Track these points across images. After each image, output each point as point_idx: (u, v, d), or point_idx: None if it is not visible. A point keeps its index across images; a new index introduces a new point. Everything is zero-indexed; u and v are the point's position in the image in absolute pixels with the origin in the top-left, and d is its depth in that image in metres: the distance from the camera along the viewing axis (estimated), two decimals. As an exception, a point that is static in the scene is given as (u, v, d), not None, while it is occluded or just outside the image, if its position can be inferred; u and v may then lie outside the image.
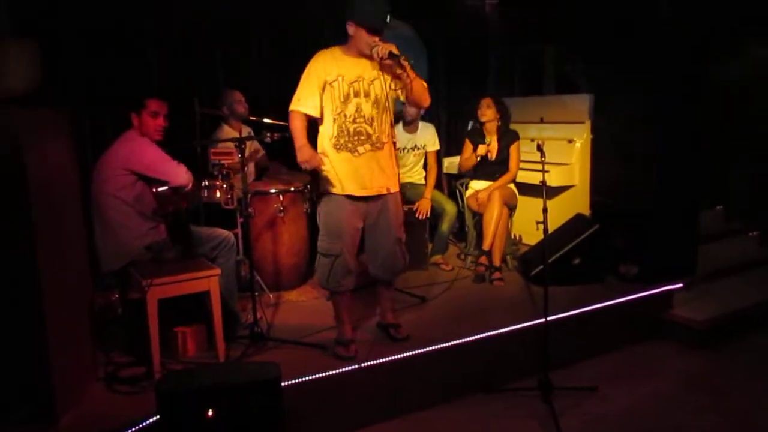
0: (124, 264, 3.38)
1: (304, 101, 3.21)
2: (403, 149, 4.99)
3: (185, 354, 3.37)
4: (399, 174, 3.53)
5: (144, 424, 2.68)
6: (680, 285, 4.34)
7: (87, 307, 3.19)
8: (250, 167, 4.72)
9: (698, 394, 3.49)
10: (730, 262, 4.95)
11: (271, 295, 4.29)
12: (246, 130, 4.66)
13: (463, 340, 3.50)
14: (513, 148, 4.76)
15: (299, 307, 4.21)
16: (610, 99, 4.69)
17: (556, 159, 5.08)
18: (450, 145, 6.15)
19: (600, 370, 3.76)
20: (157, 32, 4.55)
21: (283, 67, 5.01)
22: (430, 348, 3.40)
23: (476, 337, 3.54)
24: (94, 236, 3.39)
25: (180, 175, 3.42)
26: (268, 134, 3.93)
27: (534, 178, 4.75)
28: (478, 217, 4.89)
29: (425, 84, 3.26)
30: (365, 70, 3.22)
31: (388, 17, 3.14)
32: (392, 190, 3.38)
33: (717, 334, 4.09)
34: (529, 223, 4.96)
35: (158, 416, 2.49)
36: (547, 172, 3.53)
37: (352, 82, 3.19)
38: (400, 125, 5.01)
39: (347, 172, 3.23)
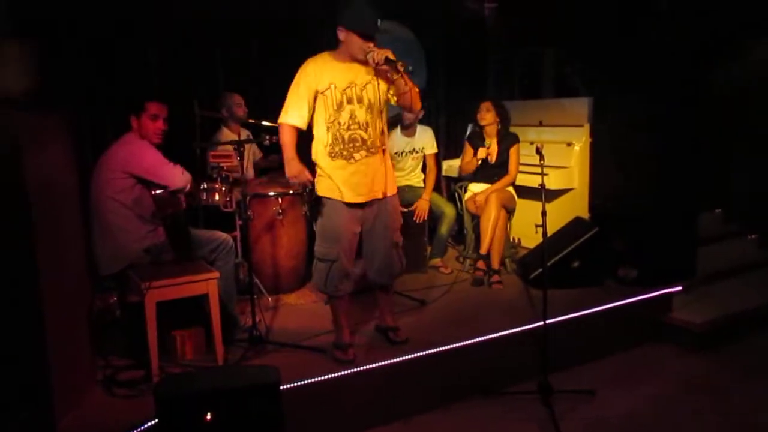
0: (122, 267, 3.37)
1: (292, 113, 3.19)
2: (401, 153, 4.99)
3: (184, 357, 3.37)
4: (395, 177, 3.53)
5: (143, 427, 2.68)
6: (679, 288, 4.34)
7: (85, 310, 3.19)
8: (249, 170, 4.72)
9: (698, 396, 3.49)
10: (729, 265, 4.95)
11: (269, 298, 4.29)
12: (245, 133, 4.66)
13: (462, 344, 3.49)
14: (513, 151, 4.76)
15: (298, 310, 4.21)
16: (609, 102, 4.70)
17: (555, 162, 5.08)
18: (449, 148, 6.15)
19: (599, 373, 3.76)
20: (156, 34, 4.55)
21: (282, 70, 4.99)
22: (429, 351, 3.40)
23: (475, 340, 3.54)
24: (92, 239, 3.38)
25: (179, 177, 3.42)
26: (267, 137, 3.94)
27: (533, 181, 4.76)
28: (477, 220, 4.89)
29: (417, 89, 3.24)
30: (357, 75, 3.19)
31: (379, 22, 3.12)
32: (389, 194, 3.37)
33: (716, 336, 4.10)
34: (528, 226, 4.96)
35: (157, 420, 2.49)
36: (546, 175, 3.53)
37: (344, 89, 3.16)
38: (398, 129, 5.01)
39: (343, 179, 3.22)
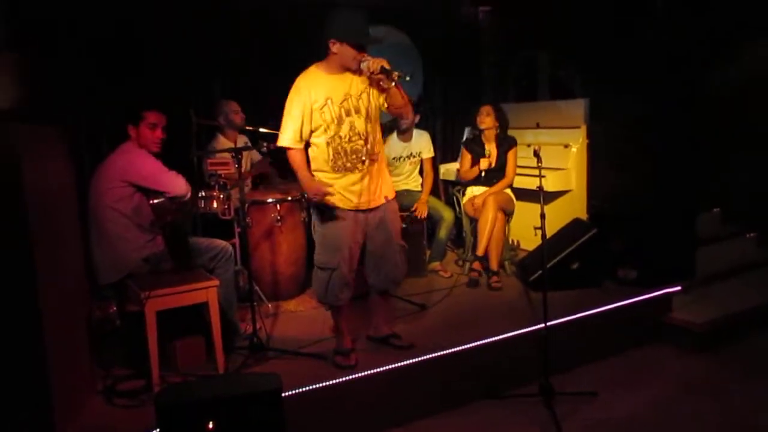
0: (121, 276, 3.36)
1: (293, 135, 3.15)
2: (399, 158, 5.00)
3: (184, 366, 3.35)
4: (391, 180, 3.53)
5: (144, 437, 2.67)
6: (679, 288, 4.34)
7: (85, 320, 3.18)
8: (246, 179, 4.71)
9: (698, 397, 3.48)
10: (729, 265, 4.95)
11: (269, 305, 4.28)
12: (242, 140, 4.67)
13: (463, 347, 3.49)
14: (510, 155, 4.78)
15: (298, 316, 4.20)
16: (605, 103, 4.71)
17: (552, 164, 5.08)
18: (446, 151, 6.16)
19: (600, 374, 3.76)
20: (153, 42, 4.55)
21: (279, 77, 5.00)
22: (431, 355, 3.39)
23: (476, 343, 3.54)
24: (90, 248, 3.38)
25: (178, 185, 3.41)
26: (265, 144, 3.94)
27: (531, 184, 4.76)
28: (475, 223, 4.89)
29: (407, 97, 3.24)
30: (351, 86, 3.17)
31: (369, 31, 3.11)
32: (389, 198, 3.39)
33: (716, 336, 4.09)
34: (527, 229, 4.96)
35: (158, 429, 2.47)
36: (544, 177, 3.53)
37: (341, 102, 3.14)
38: (395, 134, 5.02)
39: (346, 188, 3.21)
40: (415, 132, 5.04)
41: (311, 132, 3.17)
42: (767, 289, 4.65)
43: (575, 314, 3.91)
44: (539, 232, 3.42)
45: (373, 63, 2.98)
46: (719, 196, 5.50)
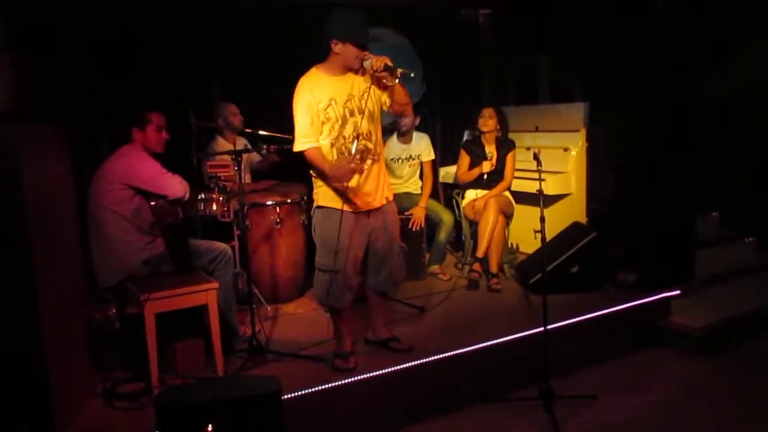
0: (121, 279, 3.36)
1: (309, 137, 3.12)
2: (397, 159, 5.00)
3: (184, 368, 3.34)
4: (389, 180, 3.54)
5: (143, 440, 2.67)
6: (678, 292, 4.35)
7: (84, 322, 3.18)
8: (246, 179, 4.71)
9: (698, 400, 3.48)
10: (727, 269, 4.95)
11: (269, 308, 4.28)
12: (241, 142, 4.66)
13: (462, 350, 3.49)
14: (509, 158, 4.80)
15: (297, 319, 4.20)
16: (605, 107, 4.71)
17: (552, 167, 5.09)
18: (445, 154, 6.16)
19: (600, 378, 3.76)
20: (152, 43, 4.55)
21: (279, 78, 5.00)
22: (430, 358, 3.39)
23: (475, 346, 3.54)
24: (90, 251, 3.38)
25: (178, 186, 3.41)
26: (264, 146, 3.94)
27: (530, 187, 4.77)
28: (475, 226, 4.89)
29: (408, 94, 3.24)
30: (354, 86, 3.18)
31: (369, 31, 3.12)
32: (389, 199, 3.40)
33: (715, 340, 4.10)
34: (526, 232, 4.97)
35: (157, 432, 2.48)
36: (544, 180, 3.54)
37: (345, 103, 3.14)
38: (395, 136, 5.02)
39: (352, 190, 3.20)
40: (415, 134, 5.05)
41: (320, 131, 3.17)
42: (766, 292, 4.66)
43: (575, 318, 3.91)
44: (539, 235, 3.42)
45: (376, 61, 2.99)
46: (718, 199, 5.51)
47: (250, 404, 2.47)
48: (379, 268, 3.43)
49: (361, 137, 3.16)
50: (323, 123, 3.13)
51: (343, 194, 3.18)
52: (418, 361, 3.36)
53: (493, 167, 4.78)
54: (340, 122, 3.14)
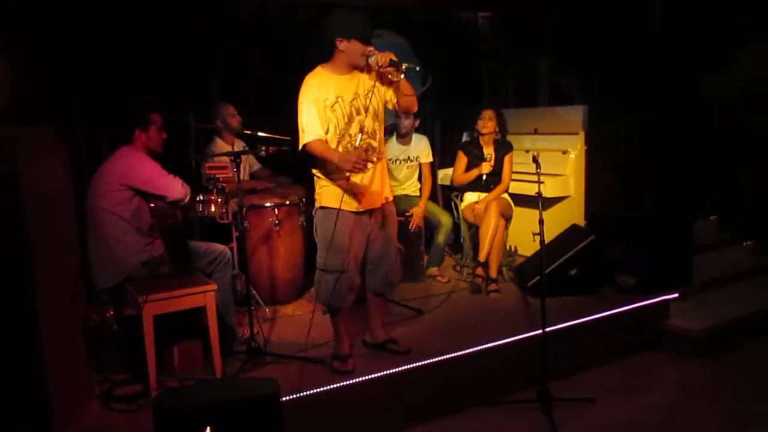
0: (119, 280, 3.35)
1: (313, 129, 3.10)
2: (396, 160, 4.99)
3: (182, 370, 3.34)
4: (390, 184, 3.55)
5: (141, 442, 2.66)
6: (676, 295, 4.35)
7: (82, 324, 3.17)
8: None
9: (697, 403, 3.48)
10: (726, 272, 4.96)
11: (267, 310, 4.27)
12: (239, 144, 4.66)
13: (460, 353, 3.49)
14: (506, 160, 4.80)
15: (296, 321, 4.19)
16: (604, 110, 4.71)
17: (550, 170, 5.09)
18: (444, 156, 6.16)
19: (598, 380, 3.75)
20: (151, 44, 4.55)
21: (279, 79, 5.01)
22: (428, 361, 3.39)
23: (474, 349, 3.53)
24: (88, 252, 3.36)
25: (177, 188, 3.41)
26: (263, 148, 3.93)
27: (529, 189, 4.77)
28: (474, 229, 4.89)
29: (413, 90, 3.25)
30: (359, 85, 3.19)
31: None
32: (389, 199, 3.42)
33: (714, 343, 4.10)
34: (525, 235, 4.96)
35: (156, 434, 2.47)
36: (543, 183, 3.54)
37: (351, 101, 3.16)
38: (394, 137, 5.02)
39: (356, 188, 3.21)
40: (414, 136, 5.04)
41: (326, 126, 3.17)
42: (764, 296, 4.66)
43: (573, 320, 3.91)
44: (537, 237, 3.42)
45: (381, 56, 3.01)
46: (716, 203, 5.52)
47: (249, 406, 2.47)
48: (376, 269, 3.43)
49: (365, 135, 3.18)
50: (329, 121, 3.14)
51: (348, 192, 3.19)
52: (417, 364, 3.35)
53: (492, 168, 4.78)
54: (346, 120, 3.16)
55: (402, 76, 3.05)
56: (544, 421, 3.25)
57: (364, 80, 3.20)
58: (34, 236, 2.57)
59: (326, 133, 3.14)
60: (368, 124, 3.19)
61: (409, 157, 5.02)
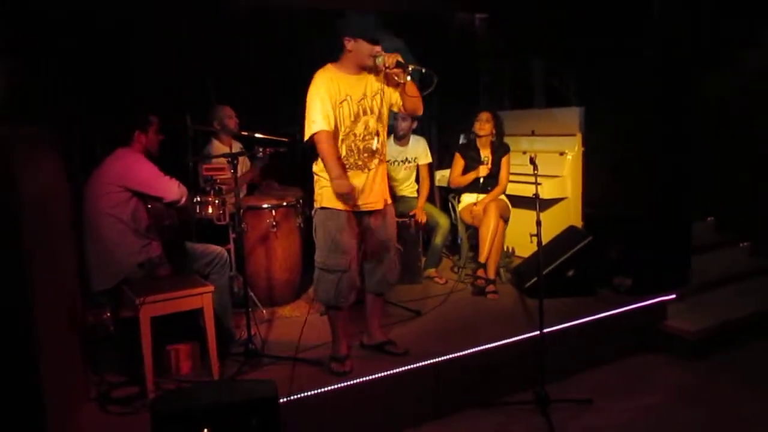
0: (116, 282, 3.34)
1: (322, 119, 3.10)
2: (393, 161, 4.99)
3: (179, 372, 3.33)
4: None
5: (138, 444, 2.65)
6: (673, 296, 4.36)
7: (78, 326, 3.16)
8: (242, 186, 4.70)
9: (693, 404, 3.49)
10: (723, 273, 4.96)
11: (264, 311, 4.26)
12: (237, 146, 4.65)
13: (458, 354, 3.49)
14: (504, 162, 4.80)
15: (293, 322, 4.17)
16: (600, 111, 4.72)
17: (547, 171, 5.09)
18: (442, 158, 6.16)
19: (596, 382, 3.76)
20: (149, 45, 4.54)
21: (277, 80, 5.01)
22: (426, 362, 3.39)
23: (472, 350, 3.53)
24: (85, 254, 3.36)
25: (174, 190, 3.40)
26: (260, 149, 3.93)
27: (526, 191, 4.78)
28: (472, 230, 4.89)
29: (419, 92, 3.28)
30: (367, 86, 3.24)
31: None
32: (389, 202, 3.44)
33: (711, 344, 4.10)
34: (522, 236, 4.95)
35: (153, 436, 2.46)
36: (540, 184, 3.54)
37: (359, 101, 3.20)
38: (392, 139, 5.02)
39: (357, 189, 3.21)
40: (412, 138, 5.05)
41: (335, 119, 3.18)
42: (761, 297, 4.67)
43: (570, 321, 3.92)
44: (534, 239, 3.43)
45: (388, 57, 3.06)
46: (714, 204, 5.53)
47: (246, 408, 2.46)
48: (374, 269, 3.44)
49: (369, 136, 3.22)
50: (336, 117, 3.16)
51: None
52: (414, 365, 3.35)
53: (489, 171, 4.78)
54: (352, 119, 3.19)
55: (408, 77, 3.11)
56: (541, 423, 3.25)
57: (372, 82, 3.25)
58: (30, 237, 2.56)
59: (333, 126, 3.15)
60: (372, 124, 3.24)
61: (407, 159, 5.03)
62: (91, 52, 4.27)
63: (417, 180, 5.12)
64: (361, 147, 3.22)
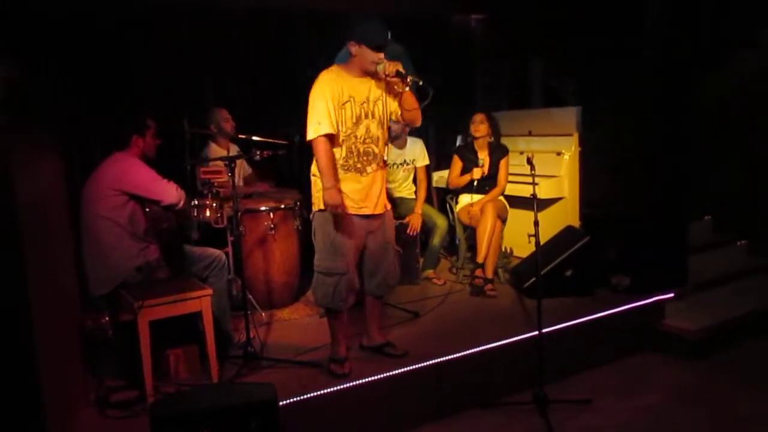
0: (114, 286, 3.34)
1: (323, 122, 3.12)
2: (392, 164, 4.99)
3: (178, 376, 3.33)
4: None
5: (138, 448, 2.65)
6: (672, 295, 4.36)
7: (76, 330, 3.15)
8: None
9: (692, 404, 3.49)
10: (720, 272, 4.97)
11: (263, 314, 4.26)
12: (234, 149, 4.65)
13: (457, 355, 3.49)
14: (503, 163, 4.80)
15: (292, 325, 4.19)
16: (600, 111, 4.72)
17: (545, 171, 5.10)
18: (439, 159, 6.16)
19: (594, 381, 3.76)
20: (144, 50, 4.54)
21: (275, 82, 5.02)
22: (425, 363, 3.39)
23: (470, 351, 3.54)
24: (83, 258, 3.35)
25: (172, 193, 3.40)
26: (258, 152, 3.93)
27: (523, 191, 4.78)
28: (470, 231, 4.90)
29: (417, 104, 3.29)
30: (370, 90, 3.25)
31: (389, 34, 3.20)
32: (389, 207, 3.45)
33: (710, 343, 4.11)
34: (520, 236, 4.96)
35: (152, 440, 2.46)
36: (537, 185, 3.55)
37: (362, 103, 3.22)
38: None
39: (355, 192, 3.24)
40: (409, 140, 5.05)
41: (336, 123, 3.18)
42: (759, 296, 4.68)
43: (569, 321, 3.92)
44: (533, 239, 3.43)
45: (388, 66, 3.08)
46: (710, 203, 5.54)
47: (246, 411, 2.47)
48: (374, 272, 3.45)
49: (369, 140, 3.24)
50: (338, 118, 3.17)
51: (349, 196, 3.22)
52: (414, 366, 3.35)
53: (485, 174, 4.79)
54: (354, 120, 3.20)
55: (407, 88, 3.13)
56: (540, 423, 3.25)
57: (374, 87, 3.27)
58: (27, 240, 2.55)
59: (334, 128, 3.17)
60: (373, 129, 3.26)
61: (405, 161, 5.02)
62: (91, 53, 4.28)
63: (414, 181, 5.12)
64: (361, 150, 3.24)
